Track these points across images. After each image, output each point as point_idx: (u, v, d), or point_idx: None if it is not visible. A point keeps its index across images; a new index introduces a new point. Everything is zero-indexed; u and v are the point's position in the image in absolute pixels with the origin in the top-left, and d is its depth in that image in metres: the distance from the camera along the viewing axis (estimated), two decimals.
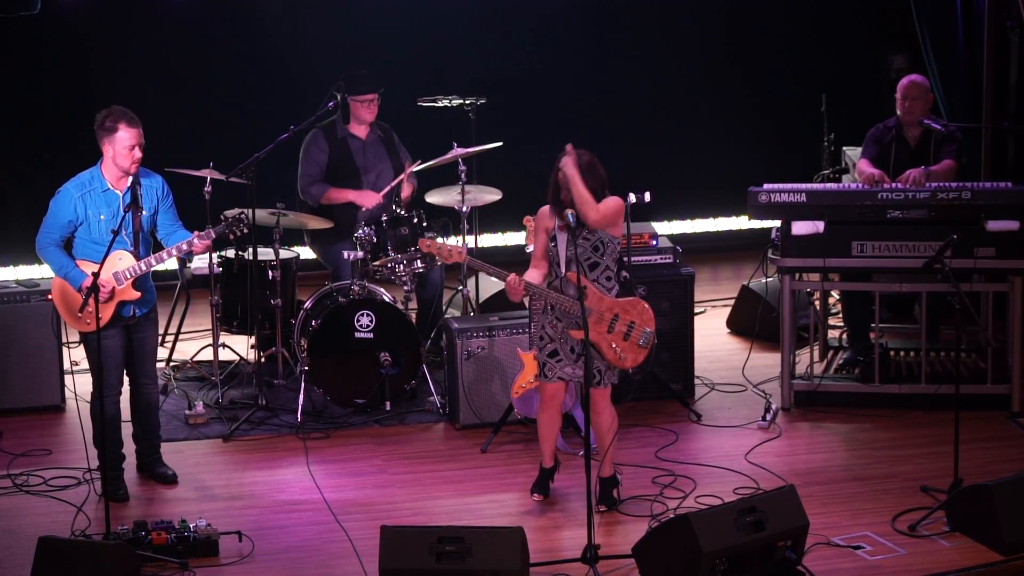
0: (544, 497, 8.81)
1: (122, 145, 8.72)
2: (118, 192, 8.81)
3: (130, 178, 8.82)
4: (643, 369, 8.73)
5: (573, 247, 8.33)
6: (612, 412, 8.59)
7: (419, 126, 11.38)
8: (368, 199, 10.57)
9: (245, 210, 9.46)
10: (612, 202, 8.45)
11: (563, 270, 8.43)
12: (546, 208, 8.52)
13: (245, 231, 9.16)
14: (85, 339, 8.98)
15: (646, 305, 8.51)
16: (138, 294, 8.85)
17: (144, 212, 8.86)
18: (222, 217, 9.49)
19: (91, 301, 8.37)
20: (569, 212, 8.26)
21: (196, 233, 8.85)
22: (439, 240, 8.48)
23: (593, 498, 8.16)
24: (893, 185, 10.03)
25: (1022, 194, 9.88)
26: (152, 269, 8.85)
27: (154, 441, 9.29)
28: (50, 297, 10.10)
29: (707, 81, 13.39)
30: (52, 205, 8.85)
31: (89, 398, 9.16)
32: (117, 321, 8.88)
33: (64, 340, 10.33)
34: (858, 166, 10.50)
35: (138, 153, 8.75)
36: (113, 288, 8.75)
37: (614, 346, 8.41)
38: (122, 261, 8.79)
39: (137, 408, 9.19)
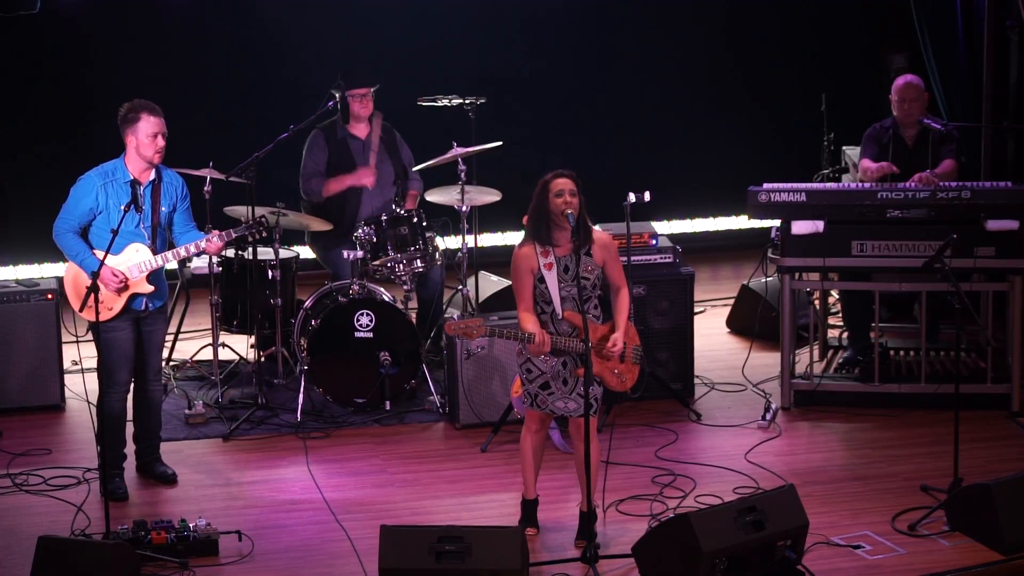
0: (537, 530, 8.45)
1: (144, 134, 8.75)
2: (141, 183, 8.82)
3: (153, 172, 8.83)
4: (639, 387, 8.69)
5: (577, 286, 8.14)
6: (597, 442, 8.35)
7: (419, 126, 11.37)
8: (364, 177, 10.57)
9: (264, 215, 9.44)
10: (616, 253, 8.30)
11: (558, 310, 8.15)
12: (528, 248, 8.17)
13: (264, 234, 9.24)
14: (94, 331, 8.92)
15: (630, 323, 8.42)
16: (151, 288, 8.87)
17: (163, 208, 8.88)
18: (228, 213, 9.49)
19: (103, 298, 8.41)
20: (570, 213, 8.14)
21: (216, 232, 8.86)
22: (456, 317, 8.32)
23: (589, 502, 8.15)
24: (900, 184, 10.02)
25: (1022, 193, 9.88)
26: (167, 264, 8.88)
27: (154, 441, 9.29)
28: (51, 296, 10.16)
29: (707, 81, 13.39)
30: (73, 191, 8.84)
31: (94, 396, 9.15)
32: (127, 313, 8.88)
33: (66, 338, 10.32)
34: (861, 165, 10.49)
35: (161, 141, 8.79)
36: (125, 279, 8.75)
37: (615, 371, 8.31)
38: (139, 253, 8.81)
39: (140, 406, 9.18)
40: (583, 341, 8.05)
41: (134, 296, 8.85)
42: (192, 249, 8.89)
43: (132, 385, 9.09)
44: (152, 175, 8.85)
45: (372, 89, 10.67)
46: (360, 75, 10.64)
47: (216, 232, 8.88)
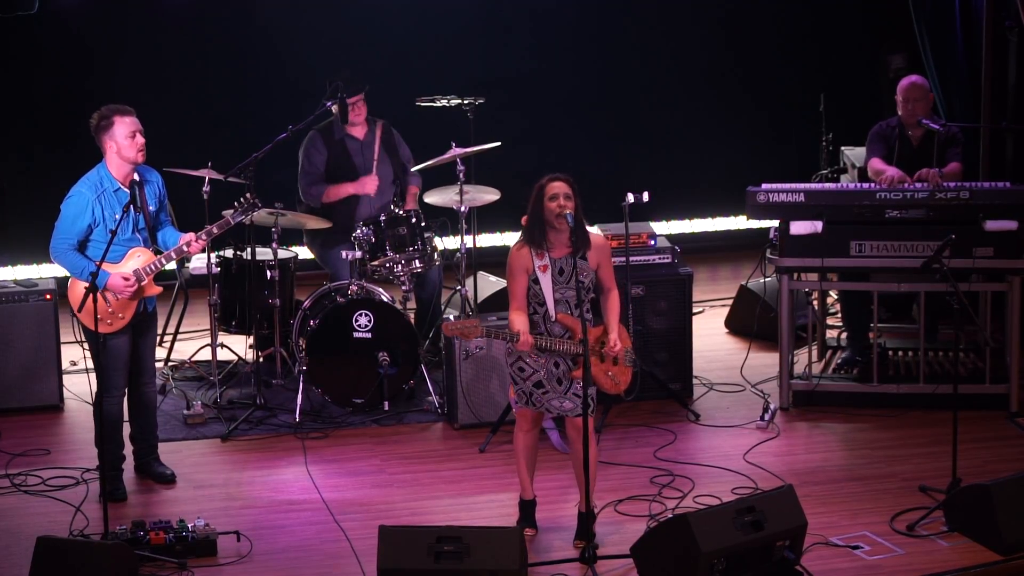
0: (535, 531, 8.45)
1: (122, 135, 8.72)
2: (128, 191, 8.80)
3: (136, 174, 8.79)
4: (633, 389, 8.69)
5: (575, 289, 8.14)
6: (594, 442, 8.37)
7: (418, 126, 11.37)
8: (368, 185, 10.58)
9: (256, 200, 9.41)
10: (609, 255, 8.34)
11: (551, 312, 8.17)
12: (525, 250, 8.21)
13: (260, 206, 9.24)
14: (92, 338, 8.88)
15: (621, 326, 8.43)
16: (160, 289, 8.88)
17: (151, 207, 8.86)
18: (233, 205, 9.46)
19: (100, 302, 8.40)
20: (568, 213, 8.14)
21: (192, 235, 8.83)
22: (453, 318, 8.31)
23: (585, 503, 8.15)
24: (913, 185, 10.00)
25: (1020, 194, 9.88)
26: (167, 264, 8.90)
27: (151, 441, 9.28)
28: (49, 297, 10.16)
29: (706, 81, 13.38)
30: (67, 210, 8.77)
31: (92, 398, 9.14)
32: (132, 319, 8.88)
33: (65, 338, 10.32)
34: (871, 165, 10.42)
35: (140, 139, 8.75)
36: (136, 281, 8.74)
37: (609, 373, 8.32)
38: (140, 258, 8.79)
39: (136, 407, 9.18)
40: (581, 342, 8.05)
41: (142, 300, 8.85)
42: (175, 253, 8.83)
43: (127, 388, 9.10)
44: (135, 176, 8.81)
45: (362, 93, 10.66)
46: (349, 83, 10.60)
47: (192, 234, 8.83)
